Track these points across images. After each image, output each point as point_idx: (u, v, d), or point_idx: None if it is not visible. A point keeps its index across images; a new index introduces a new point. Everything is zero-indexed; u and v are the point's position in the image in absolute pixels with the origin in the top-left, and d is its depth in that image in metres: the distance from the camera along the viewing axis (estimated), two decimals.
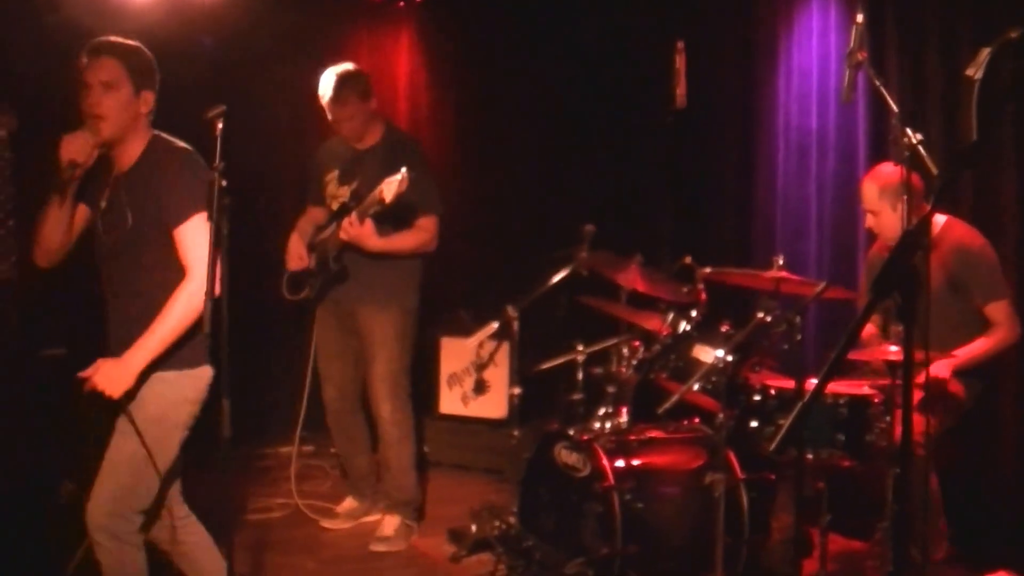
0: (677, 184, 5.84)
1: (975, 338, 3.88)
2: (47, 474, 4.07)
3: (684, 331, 4.04)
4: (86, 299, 3.38)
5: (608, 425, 4.05)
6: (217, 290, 2.84)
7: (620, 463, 3.79)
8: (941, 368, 3.71)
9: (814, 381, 2.43)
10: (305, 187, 4.86)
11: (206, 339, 3.07)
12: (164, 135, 3.24)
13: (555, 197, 6.25)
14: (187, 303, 3.01)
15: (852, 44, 3.38)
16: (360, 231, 4.18)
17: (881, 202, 4.02)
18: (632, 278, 4.22)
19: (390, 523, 4.60)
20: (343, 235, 4.23)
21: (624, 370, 4.12)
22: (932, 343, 3.22)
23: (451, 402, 5.78)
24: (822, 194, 5.09)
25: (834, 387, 3.68)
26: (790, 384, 3.64)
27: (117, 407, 3.07)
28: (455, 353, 5.72)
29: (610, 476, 3.71)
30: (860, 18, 3.38)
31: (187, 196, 3.02)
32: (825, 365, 2.19)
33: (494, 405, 5.62)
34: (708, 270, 4.06)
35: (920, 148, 3.24)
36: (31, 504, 3.95)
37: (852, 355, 3.72)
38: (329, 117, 4.51)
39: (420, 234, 4.46)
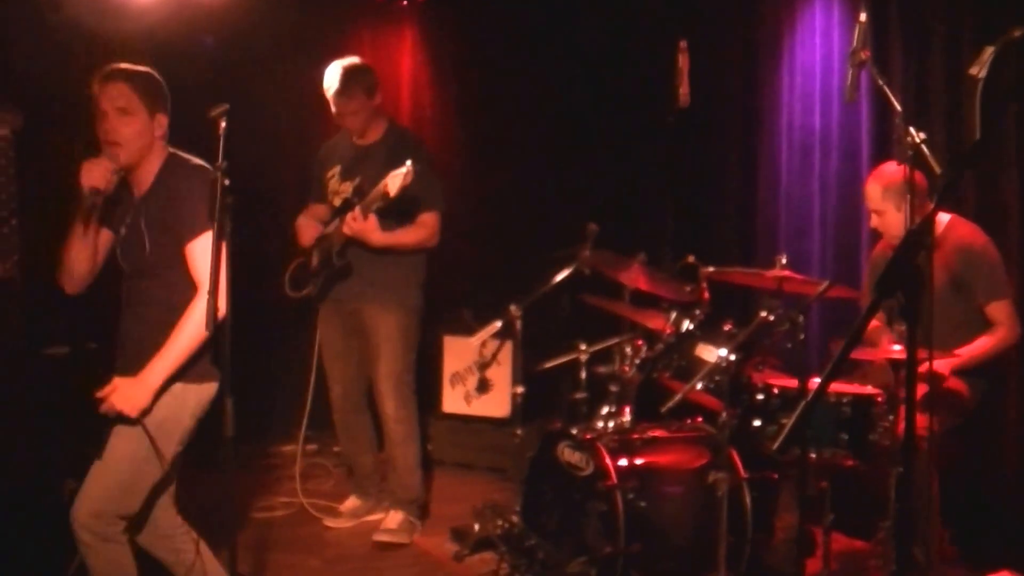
0: (680, 183, 5.83)
1: (977, 337, 3.88)
2: (50, 473, 4.08)
3: (687, 330, 4.04)
4: (89, 298, 3.38)
5: (611, 424, 4.05)
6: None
7: (623, 462, 3.79)
8: (940, 367, 3.70)
9: (817, 380, 2.43)
10: (306, 184, 4.87)
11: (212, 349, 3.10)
12: (180, 153, 3.28)
13: (558, 196, 6.24)
14: (200, 318, 3.02)
15: (855, 43, 3.37)
16: (364, 226, 4.18)
17: (885, 202, 4.01)
18: (635, 277, 4.22)
19: (394, 517, 4.61)
20: (346, 230, 4.23)
21: (627, 369, 4.12)
22: (935, 342, 3.22)
23: (454, 401, 5.78)
24: (825, 193, 5.08)
25: (837, 386, 3.68)
26: (793, 383, 3.64)
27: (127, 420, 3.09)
28: (458, 352, 5.73)
29: (613, 475, 3.71)
30: (863, 17, 3.37)
31: (200, 212, 3.04)
32: (828, 364, 2.19)
33: (497, 404, 5.62)
34: (711, 269, 4.05)
35: (923, 147, 3.23)
36: (34, 503, 3.95)
37: (855, 354, 3.72)
38: (333, 110, 4.50)
39: (422, 230, 4.46)
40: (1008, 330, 3.88)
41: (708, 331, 3.98)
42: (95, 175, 3.10)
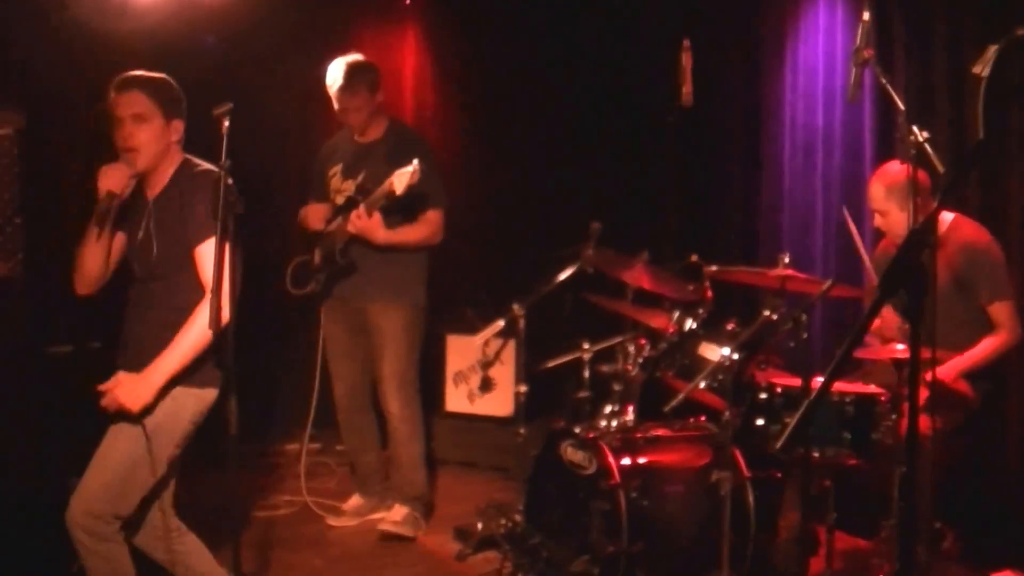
0: (683, 182, 5.82)
1: (980, 336, 3.88)
2: (53, 471, 4.08)
3: (690, 329, 4.04)
4: (92, 297, 3.38)
5: (614, 423, 4.05)
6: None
7: (626, 461, 3.79)
8: (944, 372, 3.70)
9: (820, 379, 2.43)
10: (308, 183, 4.87)
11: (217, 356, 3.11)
12: (193, 158, 3.30)
13: (561, 195, 6.24)
14: (206, 322, 3.02)
15: (858, 42, 3.37)
16: (368, 223, 4.19)
17: (888, 201, 4.01)
18: (638, 276, 4.22)
19: (399, 511, 4.61)
20: (351, 228, 4.23)
21: (630, 368, 4.12)
22: (937, 341, 3.22)
23: (457, 400, 5.78)
24: (828, 192, 5.08)
25: (840, 385, 3.67)
26: (796, 382, 3.64)
27: (128, 415, 3.09)
28: (461, 351, 5.73)
29: (616, 474, 3.71)
30: (866, 16, 3.37)
31: (208, 216, 3.05)
32: (832, 363, 2.19)
33: (500, 403, 5.61)
34: (714, 268, 4.05)
35: (927, 146, 3.23)
36: (36, 502, 3.95)
37: (859, 353, 3.72)
38: (336, 106, 4.50)
39: (426, 227, 4.47)
40: (1009, 332, 3.88)
41: (711, 330, 3.98)
42: (113, 179, 3.14)
